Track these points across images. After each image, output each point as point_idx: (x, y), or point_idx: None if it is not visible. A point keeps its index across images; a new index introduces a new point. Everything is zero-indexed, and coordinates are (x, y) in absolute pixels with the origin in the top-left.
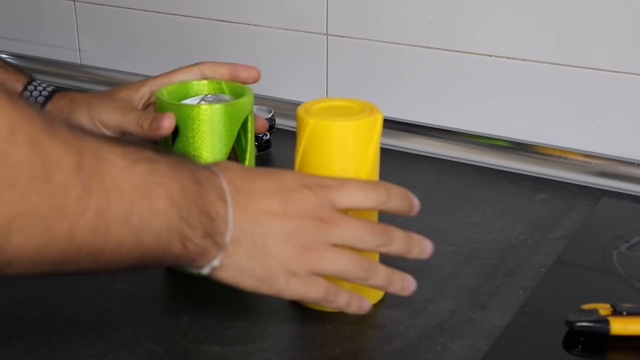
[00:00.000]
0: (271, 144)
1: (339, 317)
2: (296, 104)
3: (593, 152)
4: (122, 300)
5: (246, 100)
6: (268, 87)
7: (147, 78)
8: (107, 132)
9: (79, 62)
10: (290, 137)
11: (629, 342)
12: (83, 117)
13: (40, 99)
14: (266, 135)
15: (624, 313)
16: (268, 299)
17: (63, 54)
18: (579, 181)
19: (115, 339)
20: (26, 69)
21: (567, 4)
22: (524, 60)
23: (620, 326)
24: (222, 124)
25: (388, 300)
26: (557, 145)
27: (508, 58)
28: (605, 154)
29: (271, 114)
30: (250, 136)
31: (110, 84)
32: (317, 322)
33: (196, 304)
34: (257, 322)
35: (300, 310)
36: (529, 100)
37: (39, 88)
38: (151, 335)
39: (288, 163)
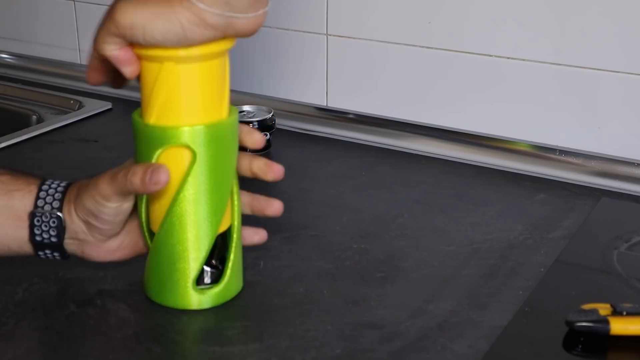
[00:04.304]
0: (271, 144)
1: (339, 317)
2: (296, 104)
3: (593, 152)
4: (122, 300)
5: (231, 120)
6: (268, 87)
7: None
8: (112, 204)
9: (79, 62)
10: (291, 137)
11: (629, 342)
12: (87, 198)
13: (59, 191)
14: (266, 135)
15: (624, 313)
16: (268, 299)
17: (63, 54)
18: (579, 181)
19: (115, 339)
20: (26, 68)
21: (567, 4)
22: (524, 60)
23: (620, 326)
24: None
25: (388, 300)
26: (557, 145)
27: (508, 58)
28: (605, 154)
29: (271, 114)
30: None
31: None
32: (317, 322)
33: None
34: (257, 322)
35: (301, 310)
36: (529, 101)
37: (53, 185)
38: (151, 335)
39: (288, 163)
